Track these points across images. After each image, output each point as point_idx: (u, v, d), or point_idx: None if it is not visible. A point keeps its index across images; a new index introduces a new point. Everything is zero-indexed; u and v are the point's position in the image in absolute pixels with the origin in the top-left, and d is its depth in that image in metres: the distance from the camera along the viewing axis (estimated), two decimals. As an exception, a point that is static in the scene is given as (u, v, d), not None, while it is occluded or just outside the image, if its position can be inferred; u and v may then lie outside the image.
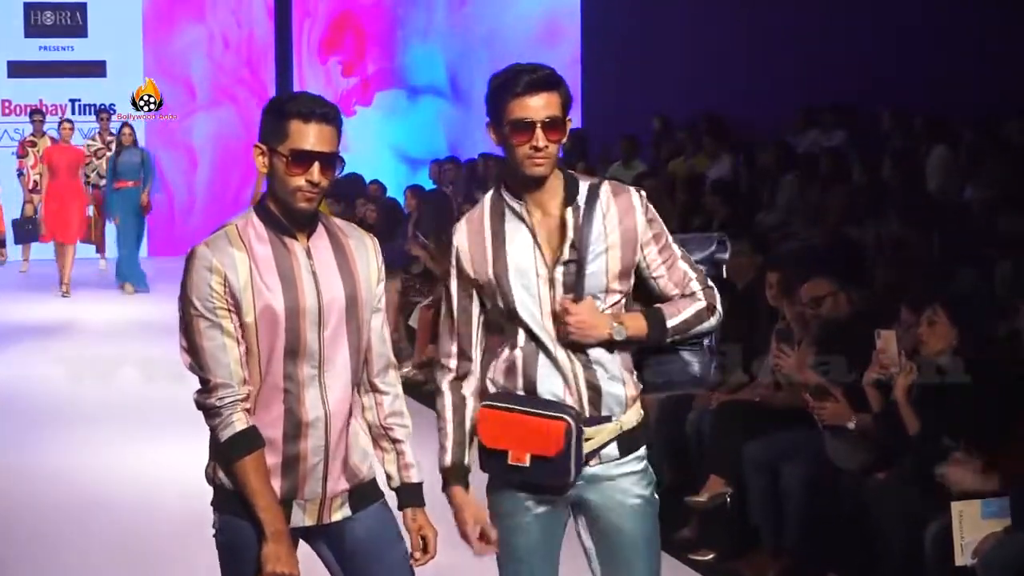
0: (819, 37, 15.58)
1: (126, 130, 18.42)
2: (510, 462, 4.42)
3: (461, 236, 4.48)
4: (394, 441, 4.45)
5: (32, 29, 21.73)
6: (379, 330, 4.44)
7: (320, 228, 4.31)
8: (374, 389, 4.44)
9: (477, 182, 17.51)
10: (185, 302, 4.17)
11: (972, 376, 6.53)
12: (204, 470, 4.32)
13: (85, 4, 21.81)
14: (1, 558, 7.85)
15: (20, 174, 19.74)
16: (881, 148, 12.92)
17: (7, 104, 21.67)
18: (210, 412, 4.18)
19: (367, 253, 4.40)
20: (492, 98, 4.47)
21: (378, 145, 22.50)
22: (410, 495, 4.46)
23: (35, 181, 19.43)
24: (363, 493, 4.38)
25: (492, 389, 4.51)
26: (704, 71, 17.71)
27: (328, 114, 4.20)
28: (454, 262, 4.50)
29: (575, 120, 19.96)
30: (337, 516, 4.34)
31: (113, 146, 19.20)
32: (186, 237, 20.14)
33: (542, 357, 4.43)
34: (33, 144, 19.65)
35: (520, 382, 4.44)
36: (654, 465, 7.80)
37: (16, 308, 16.70)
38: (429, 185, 18.17)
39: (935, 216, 10.10)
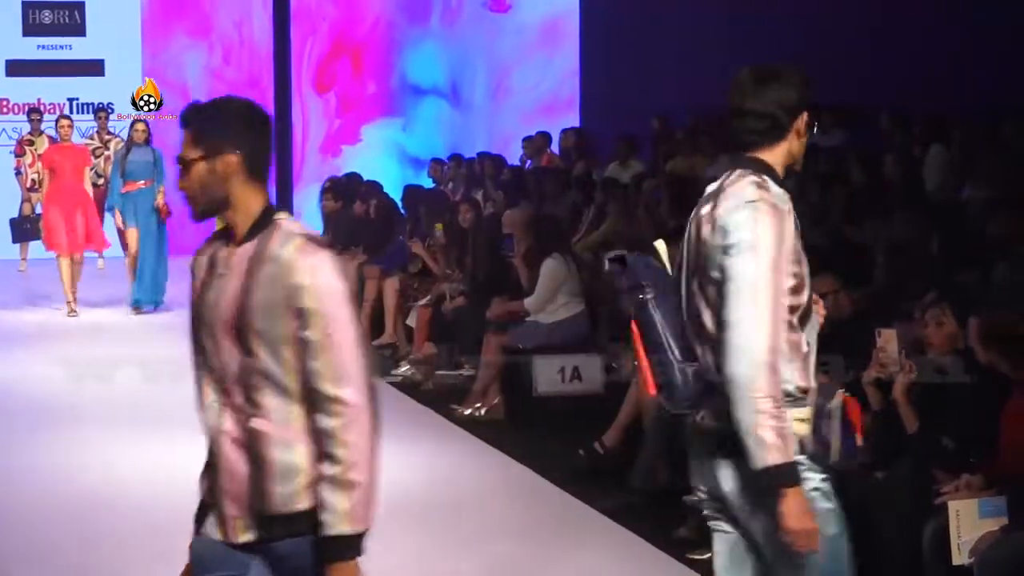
0: (817, 37, 15.61)
1: (139, 126, 16.46)
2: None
3: (790, 224, 4.47)
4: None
5: (30, 28, 21.74)
6: (307, 362, 4.01)
7: (256, 240, 4.07)
8: (313, 425, 4.07)
9: (475, 180, 17.56)
10: None
11: (971, 376, 6.57)
12: None
13: (83, 3, 21.79)
14: (2, 557, 7.87)
15: (18, 173, 19.76)
16: (879, 148, 12.96)
17: (5, 103, 21.67)
18: None
19: (278, 283, 3.99)
20: (805, 86, 4.58)
21: (379, 145, 22.61)
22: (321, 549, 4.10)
23: (33, 180, 19.45)
24: (276, 522, 4.07)
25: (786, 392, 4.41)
26: (702, 71, 17.72)
27: (185, 118, 4.19)
28: (787, 251, 4.40)
29: (573, 120, 19.92)
30: (243, 538, 4.11)
31: (112, 145, 19.21)
32: (177, 242, 20.03)
33: (812, 351, 4.51)
34: (31, 143, 19.66)
35: (807, 380, 4.49)
36: (652, 465, 7.86)
37: (15, 308, 16.71)
38: (428, 184, 18.22)
39: (934, 216, 10.11)
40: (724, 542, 4.78)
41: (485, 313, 11.55)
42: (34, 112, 20.10)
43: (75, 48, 21.86)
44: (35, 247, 19.62)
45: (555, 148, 18.88)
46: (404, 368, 12.64)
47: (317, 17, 22.77)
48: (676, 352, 4.57)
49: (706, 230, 4.49)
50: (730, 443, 4.40)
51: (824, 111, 14.66)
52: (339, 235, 16.34)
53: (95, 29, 21.81)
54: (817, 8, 15.78)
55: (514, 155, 19.31)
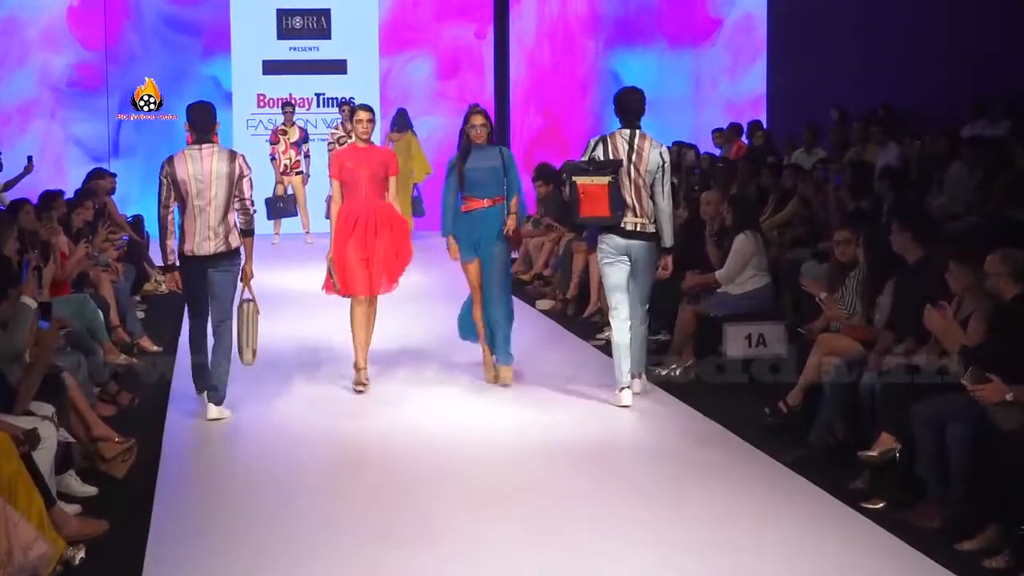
0: (981, 37, 15.28)
1: (478, 120, 10.43)
2: None
3: None
4: None
5: (283, 32, 22.14)
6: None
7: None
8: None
9: (672, 167, 17.46)
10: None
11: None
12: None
13: (329, 10, 22.16)
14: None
15: (272, 159, 20.20)
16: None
17: (262, 97, 22.12)
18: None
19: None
20: None
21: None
22: None
23: (285, 165, 19.96)
24: None
25: None
26: (878, 65, 17.48)
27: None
28: None
29: (760, 114, 19.76)
30: None
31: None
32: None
33: None
34: (284, 132, 20.13)
35: None
36: (830, 423, 7.74)
37: (273, 276, 16.77)
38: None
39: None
40: None
41: (680, 285, 11.51)
42: (287, 106, 20.53)
43: (322, 49, 22.21)
44: (287, 223, 20.14)
45: (744, 139, 18.74)
46: (607, 333, 12.62)
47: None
48: None
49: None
50: None
51: (994, 103, 14.35)
52: (550, 214, 16.37)
53: (339, 33, 22.16)
54: (982, 9, 15.43)
55: (706, 144, 19.23)
